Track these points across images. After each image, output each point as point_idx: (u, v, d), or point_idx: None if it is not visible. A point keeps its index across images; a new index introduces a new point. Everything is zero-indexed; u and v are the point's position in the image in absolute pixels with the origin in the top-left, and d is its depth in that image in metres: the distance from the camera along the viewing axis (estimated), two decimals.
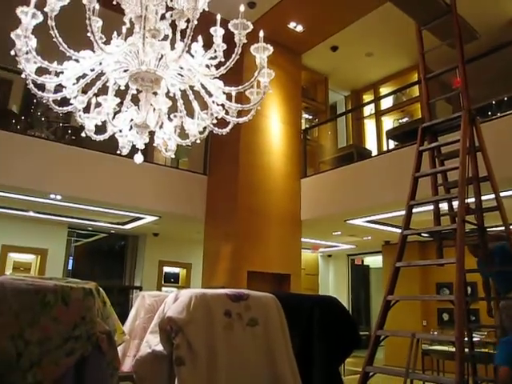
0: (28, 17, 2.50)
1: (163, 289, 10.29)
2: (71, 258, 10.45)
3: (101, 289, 2.21)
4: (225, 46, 2.82)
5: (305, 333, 2.95)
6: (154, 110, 3.12)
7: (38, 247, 9.00)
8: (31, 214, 8.40)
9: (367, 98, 10.31)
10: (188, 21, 2.55)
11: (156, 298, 3.60)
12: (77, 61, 2.77)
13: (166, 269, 10.77)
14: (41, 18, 2.53)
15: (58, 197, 6.80)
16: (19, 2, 2.55)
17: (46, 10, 2.46)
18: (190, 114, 3.25)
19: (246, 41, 2.63)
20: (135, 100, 3.13)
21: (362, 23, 7.58)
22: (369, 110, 10.35)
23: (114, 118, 3.19)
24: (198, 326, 2.13)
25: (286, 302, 2.65)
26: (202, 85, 3.01)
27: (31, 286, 1.85)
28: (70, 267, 10.29)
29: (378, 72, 9.58)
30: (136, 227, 9.38)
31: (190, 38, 2.46)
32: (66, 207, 7.55)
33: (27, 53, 2.61)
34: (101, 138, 3.30)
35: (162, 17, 2.87)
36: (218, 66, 2.85)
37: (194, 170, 8.19)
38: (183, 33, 2.58)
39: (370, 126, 10.26)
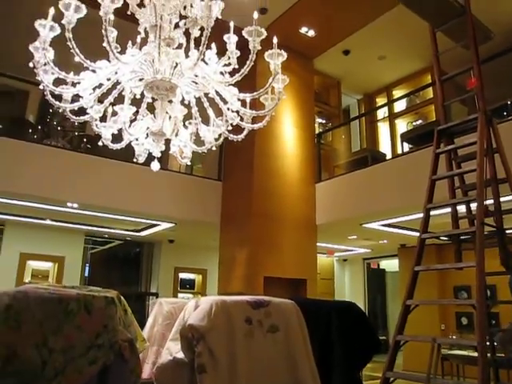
0: (46, 29, 2.54)
1: (179, 295, 10.34)
2: (88, 265, 10.53)
3: (122, 297, 2.22)
4: (238, 53, 2.83)
5: (324, 338, 2.94)
6: (170, 117, 3.14)
7: (56, 255, 9.12)
8: (48, 222, 8.50)
9: (380, 101, 10.26)
10: (202, 29, 2.57)
11: (174, 304, 3.61)
12: (93, 71, 2.80)
13: (182, 275, 10.81)
14: (58, 30, 2.58)
15: (75, 205, 6.86)
16: (36, 16, 2.59)
17: (63, 22, 2.49)
18: (206, 121, 3.27)
19: (260, 47, 2.65)
20: (151, 108, 3.15)
21: (374, 26, 7.56)
22: (382, 113, 10.30)
23: (130, 126, 3.21)
24: (220, 334, 2.13)
25: (304, 308, 2.64)
26: (217, 92, 3.02)
27: (54, 295, 1.87)
28: (86, 274, 10.38)
29: (390, 75, 9.53)
30: (151, 234, 9.43)
31: (205, 46, 2.47)
32: (83, 215, 7.63)
33: (45, 64, 2.65)
34: (117, 146, 3.33)
35: (176, 25, 2.89)
36: (232, 73, 2.86)
37: (209, 176, 8.21)
38: (197, 41, 2.59)
39: (383, 129, 10.20)
